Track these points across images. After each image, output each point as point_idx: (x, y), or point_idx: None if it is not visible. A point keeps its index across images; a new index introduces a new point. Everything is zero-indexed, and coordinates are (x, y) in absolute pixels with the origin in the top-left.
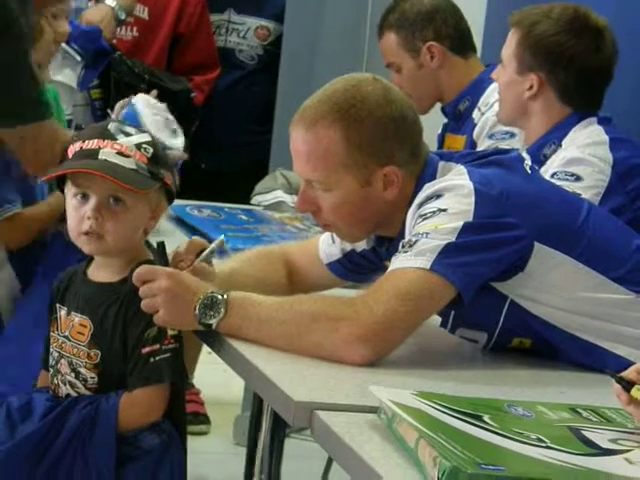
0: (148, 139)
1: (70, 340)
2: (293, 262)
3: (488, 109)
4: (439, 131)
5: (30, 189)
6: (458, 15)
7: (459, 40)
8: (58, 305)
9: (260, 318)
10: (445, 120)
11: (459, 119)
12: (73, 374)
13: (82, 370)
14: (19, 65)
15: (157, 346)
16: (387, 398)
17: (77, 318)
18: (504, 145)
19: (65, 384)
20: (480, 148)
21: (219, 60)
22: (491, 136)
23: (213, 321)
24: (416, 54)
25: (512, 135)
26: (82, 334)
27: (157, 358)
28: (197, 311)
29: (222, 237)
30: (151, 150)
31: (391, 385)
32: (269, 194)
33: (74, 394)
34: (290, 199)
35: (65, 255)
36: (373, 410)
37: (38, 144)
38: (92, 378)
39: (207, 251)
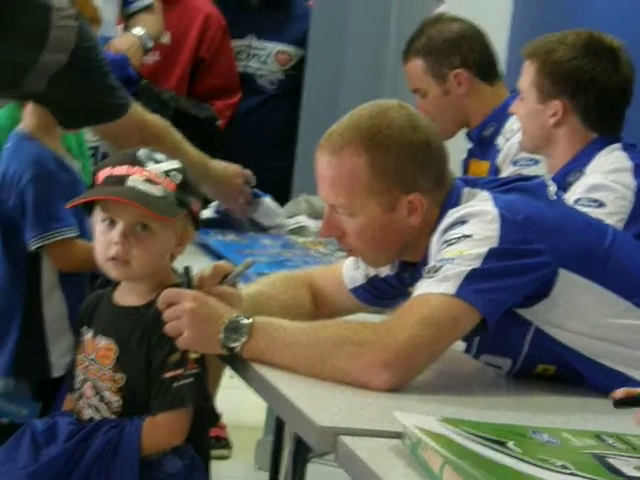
0: (177, 166)
1: (95, 363)
2: (317, 286)
3: (513, 135)
4: (464, 156)
5: (81, 221)
6: (484, 41)
7: (485, 67)
8: (85, 328)
9: (284, 343)
10: (470, 145)
11: (484, 145)
12: (97, 397)
13: (106, 394)
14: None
15: (180, 371)
16: (412, 423)
17: (103, 341)
18: (528, 172)
19: (90, 407)
20: (504, 174)
21: (240, 85)
22: (515, 162)
23: (237, 344)
24: (442, 81)
25: (536, 162)
26: (107, 357)
27: (180, 383)
28: (221, 335)
29: (250, 259)
30: (180, 177)
31: (415, 410)
32: (292, 219)
33: (98, 417)
34: (313, 224)
35: None
36: (397, 435)
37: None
38: (117, 402)
39: (234, 273)
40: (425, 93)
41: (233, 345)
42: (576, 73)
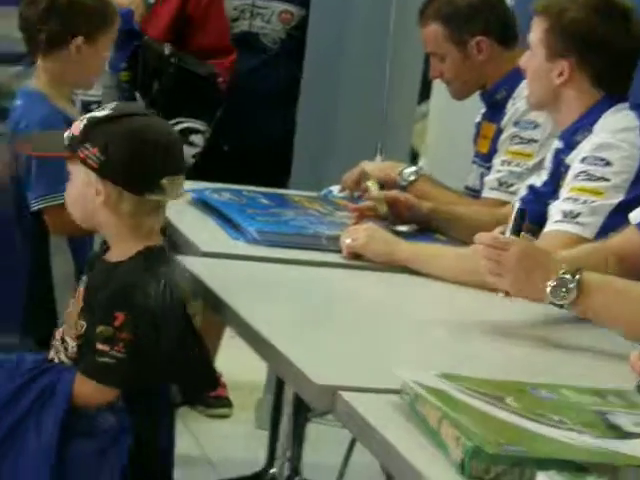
0: (97, 114)
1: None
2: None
3: (520, 100)
4: (477, 119)
5: None
6: (504, 5)
7: (505, 32)
8: (84, 277)
9: (624, 298)
10: (484, 108)
11: (495, 108)
12: (60, 340)
13: (68, 338)
14: None
15: (107, 347)
16: (410, 379)
17: (81, 293)
18: (525, 135)
19: (53, 349)
20: (504, 135)
21: (232, 45)
22: (516, 123)
23: (564, 302)
24: (463, 47)
25: (536, 126)
26: (79, 306)
27: (104, 359)
28: (549, 288)
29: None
30: (84, 122)
31: (414, 367)
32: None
33: (57, 360)
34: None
35: None
36: (396, 391)
37: None
38: (73, 347)
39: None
40: (443, 57)
41: (561, 302)
42: (587, 33)
